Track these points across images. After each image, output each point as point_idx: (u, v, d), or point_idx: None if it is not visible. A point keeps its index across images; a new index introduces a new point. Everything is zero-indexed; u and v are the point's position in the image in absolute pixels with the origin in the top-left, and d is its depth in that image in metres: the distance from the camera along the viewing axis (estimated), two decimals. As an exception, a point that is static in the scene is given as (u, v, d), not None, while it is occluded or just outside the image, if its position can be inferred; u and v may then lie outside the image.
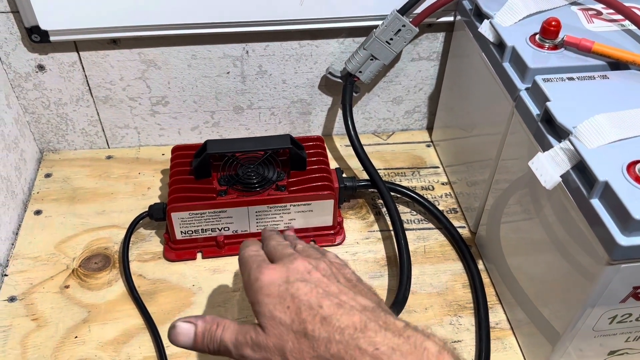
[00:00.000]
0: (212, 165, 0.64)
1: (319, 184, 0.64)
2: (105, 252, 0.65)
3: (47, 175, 0.74)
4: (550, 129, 0.49)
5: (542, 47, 0.55)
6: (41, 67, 0.68)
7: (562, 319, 0.50)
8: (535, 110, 0.51)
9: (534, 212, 0.53)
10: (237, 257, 0.62)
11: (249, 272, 0.40)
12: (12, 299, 0.60)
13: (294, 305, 0.36)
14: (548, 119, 0.49)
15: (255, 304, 0.38)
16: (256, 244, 0.45)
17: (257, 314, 0.38)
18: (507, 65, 0.56)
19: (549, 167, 0.46)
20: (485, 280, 0.63)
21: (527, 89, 0.53)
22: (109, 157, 0.77)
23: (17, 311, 0.59)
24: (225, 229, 0.64)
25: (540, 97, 0.50)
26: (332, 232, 0.67)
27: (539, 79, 0.51)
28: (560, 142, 0.47)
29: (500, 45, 0.57)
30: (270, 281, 0.38)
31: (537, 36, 0.55)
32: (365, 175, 0.70)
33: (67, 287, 0.62)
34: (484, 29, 0.59)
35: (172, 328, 0.40)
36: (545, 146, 0.48)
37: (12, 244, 0.66)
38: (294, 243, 0.45)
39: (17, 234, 0.67)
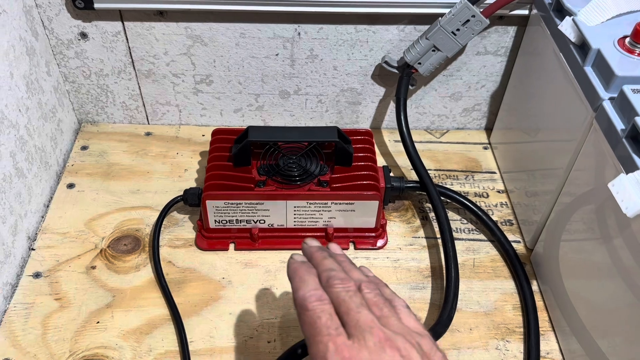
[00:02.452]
0: (253, 152, 0.60)
1: (365, 182, 0.59)
2: (135, 234, 0.62)
3: (84, 148, 0.72)
4: (636, 147, 0.43)
5: (632, 52, 0.48)
6: (84, 35, 0.65)
7: (623, 357, 0.45)
8: (619, 124, 0.45)
9: (601, 233, 0.48)
10: (270, 252, 0.60)
11: (324, 354, 0.34)
12: (37, 275, 0.58)
13: None
14: (635, 135, 0.43)
15: None
16: (311, 274, 0.39)
17: None
18: (589, 69, 0.50)
19: (633, 192, 0.40)
20: (539, 303, 0.58)
21: (611, 98, 0.47)
22: (148, 134, 0.74)
23: (41, 288, 0.57)
24: (261, 221, 0.60)
25: (627, 109, 0.44)
26: (373, 234, 0.62)
27: (627, 89, 0.45)
28: (648, 164, 0.41)
29: (583, 46, 0.51)
30: None
31: (627, 39, 0.49)
32: (414, 176, 0.65)
33: (93, 267, 0.59)
34: (565, 26, 0.53)
35: None
36: (629, 167, 0.42)
37: (42, 217, 0.64)
38: (358, 281, 0.39)
39: (47, 206, 0.65)
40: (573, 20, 0.52)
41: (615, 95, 0.46)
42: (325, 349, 0.34)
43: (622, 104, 0.45)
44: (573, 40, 0.52)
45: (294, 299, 0.38)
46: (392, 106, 0.74)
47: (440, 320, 0.52)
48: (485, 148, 0.75)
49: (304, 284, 0.38)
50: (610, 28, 0.51)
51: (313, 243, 0.43)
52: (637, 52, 0.48)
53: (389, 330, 0.35)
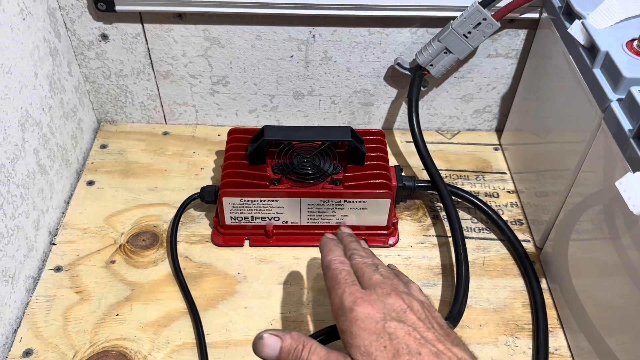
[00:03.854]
0: (268, 151, 0.61)
1: (377, 181, 0.60)
2: (154, 230, 0.64)
3: (103, 146, 0.74)
4: (644, 147, 0.44)
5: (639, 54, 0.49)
6: (105, 37, 0.67)
7: (631, 354, 0.46)
8: (627, 125, 0.46)
9: (609, 232, 0.49)
10: (284, 249, 0.62)
11: (341, 296, 0.40)
12: (58, 269, 0.60)
13: (392, 346, 0.36)
14: (642, 135, 0.44)
15: (347, 333, 0.38)
16: (339, 247, 0.46)
17: (348, 344, 0.38)
18: (597, 71, 0.51)
19: (640, 190, 0.41)
20: (548, 301, 0.59)
21: (619, 100, 0.48)
22: (165, 133, 0.76)
23: (62, 282, 0.59)
24: (276, 218, 0.62)
25: (635, 110, 0.45)
26: (385, 232, 0.63)
27: (634, 90, 0.46)
28: (655, 163, 0.42)
29: (592, 49, 0.52)
30: (367, 315, 0.38)
31: (635, 42, 0.50)
32: (425, 175, 0.67)
33: (113, 262, 0.61)
34: (575, 29, 0.54)
35: (259, 339, 0.39)
36: (637, 166, 0.43)
37: (63, 213, 0.66)
38: (375, 262, 0.45)
39: (68, 203, 0.67)
40: (582, 23, 0.53)
41: (623, 96, 0.47)
42: (343, 292, 0.40)
43: (630, 105, 0.46)
44: (582, 43, 0.53)
45: (322, 262, 0.45)
46: (404, 107, 0.75)
47: (450, 315, 0.53)
48: (496, 149, 0.76)
49: (331, 252, 0.45)
50: (618, 31, 0.52)
51: (347, 230, 0.51)
52: (646, 54, 0.49)
53: (397, 289, 0.41)
